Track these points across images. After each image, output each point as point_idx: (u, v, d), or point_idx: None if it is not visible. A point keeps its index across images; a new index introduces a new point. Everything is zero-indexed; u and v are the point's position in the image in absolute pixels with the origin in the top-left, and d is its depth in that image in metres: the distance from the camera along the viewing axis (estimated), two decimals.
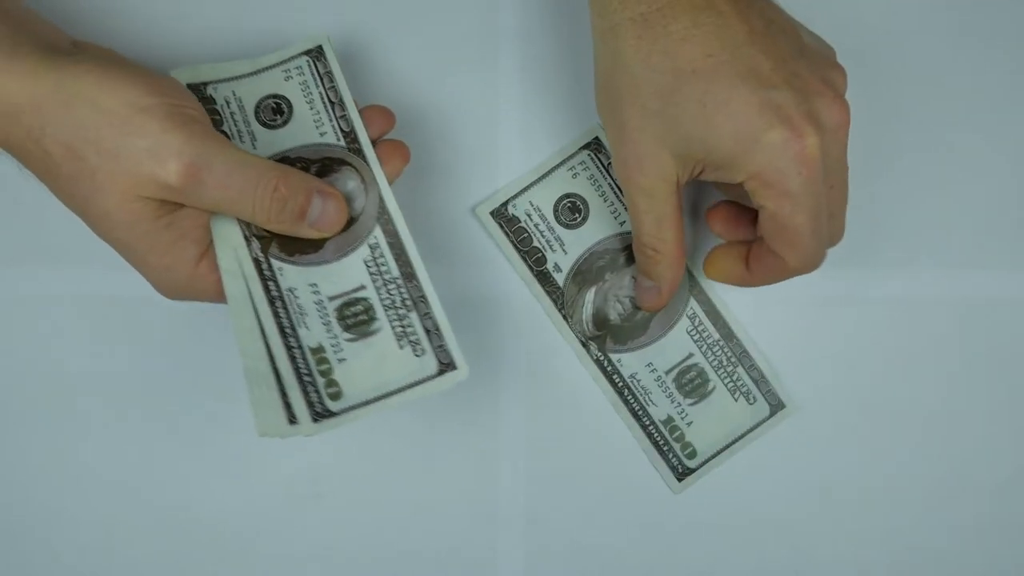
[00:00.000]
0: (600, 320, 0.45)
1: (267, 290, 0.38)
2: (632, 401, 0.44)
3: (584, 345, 0.45)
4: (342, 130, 0.41)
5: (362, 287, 0.39)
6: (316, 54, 0.42)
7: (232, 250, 0.38)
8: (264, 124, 0.41)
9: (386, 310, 0.38)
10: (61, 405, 0.45)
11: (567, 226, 0.45)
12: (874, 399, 0.46)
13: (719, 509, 0.45)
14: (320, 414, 0.36)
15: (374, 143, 0.41)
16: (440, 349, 0.38)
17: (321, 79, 0.42)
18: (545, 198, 0.45)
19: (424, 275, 0.39)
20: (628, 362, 0.45)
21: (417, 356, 0.38)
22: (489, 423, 0.45)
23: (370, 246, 0.39)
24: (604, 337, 0.45)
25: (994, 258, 0.46)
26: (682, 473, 0.44)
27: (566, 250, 0.45)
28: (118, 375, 0.45)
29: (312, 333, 0.37)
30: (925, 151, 0.47)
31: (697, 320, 0.45)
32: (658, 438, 0.44)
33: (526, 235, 0.45)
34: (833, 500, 0.45)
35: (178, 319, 0.45)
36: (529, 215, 0.45)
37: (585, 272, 0.45)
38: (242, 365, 0.36)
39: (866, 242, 0.46)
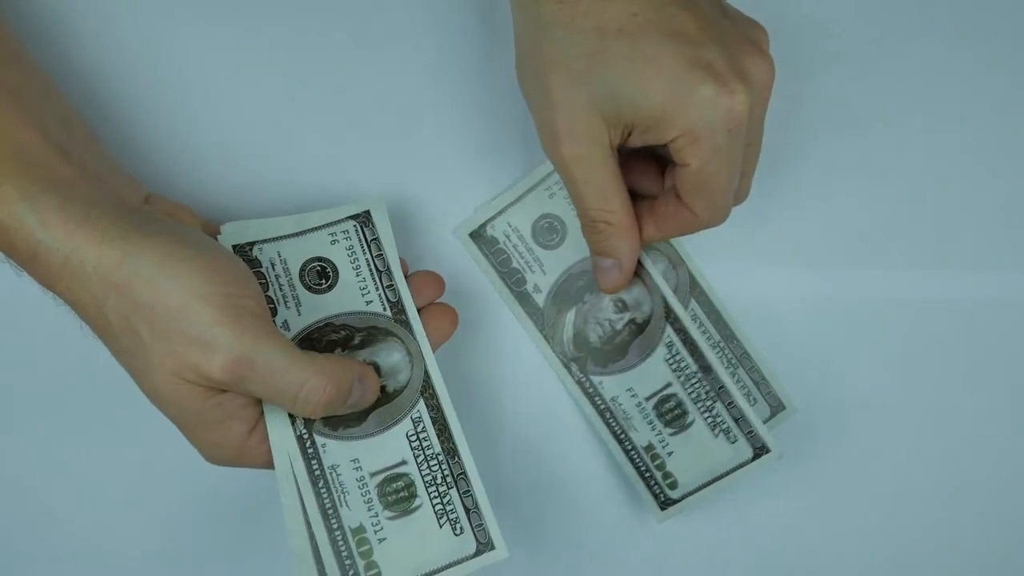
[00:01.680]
0: (580, 342, 0.44)
1: (310, 470, 0.38)
2: (614, 425, 0.44)
3: (566, 366, 0.44)
4: (389, 300, 0.40)
5: (403, 462, 0.38)
6: (364, 219, 0.42)
7: (282, 426, 0.38)
8: (309, 288, 0.41)
9: (427, 487, 0.38)
10: (53, 403, 0.44)
11: (545, 247, 0.45)
12: (874, 399, 0.45)
13: (717, 509, 0.45)
14: None
15: (420, 310, 0.41)
16: (479, 528, 0.38)
17: (368, 246, 0.41)
18: (523, 218, 0.45)
19: (466, 452, 0.38)
20: (609, 385, 0.44)
21: (456, 535, 0.38)
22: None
23: (413, 420, 0.39)
24: (585, 359, 0.44)
25: (994, 258, 0.46)
26: (665, 503, 0.43)
27: (545, 271, 0.45)
28: (111, 373, 0.43)
29: (353, 513, 0.37)
30: (925, 151, 0.47)
31: (675, 349, 0.43)
32: (640, 464, 0.43)
33: (505, 256, 0.45)
34: (833, 501, 0.45)
35: None
36: (508, 236, 0.45)
37: (565, 293, 0.44)
38: (288, 544, 0.37)
39: (867, 242, 0.46)
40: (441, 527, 0.38)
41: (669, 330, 0.44)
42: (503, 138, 0.46)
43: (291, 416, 0.38)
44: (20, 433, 0.44)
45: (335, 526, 0.37)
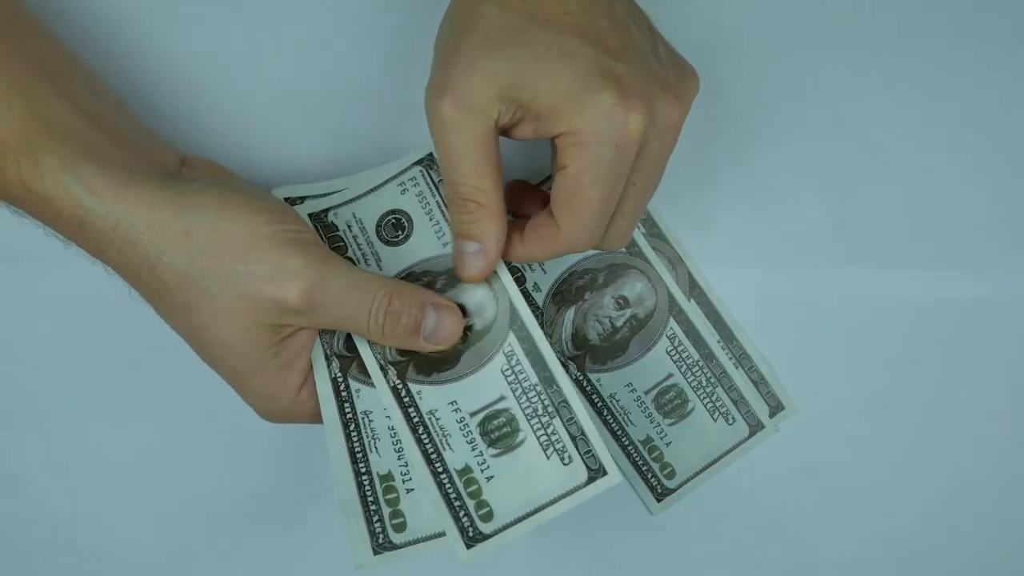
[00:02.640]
0: (579, 340, 0.45)
1: (408, 418, 0.38)
2: (611, 421, 0.44)
3: (563, 365, 0.45)
4: None
5: (502, 398, 0.38)
6: (428, 162, 0.42)
7: (329, 377, 0.38)
8: (386, 242, 0.41)
9: (529, 419, 0.37)
10: (60, 403, 0.45)
11: None
12: (874, 399, 0.46)
13: (718, 509, 0.45)
14: (473, 539, 0.36)
15: None
16: (588, 455, 0.37)
17: (436, 188, 0.41)
18: None
19: (564, 379, 0.38)
20: (607, 382, 0.44)
21: (565, 464, 0.37)
22: None
23: (505, 354, 0.38)
24: (583, 357, 0.45)
25: (994, 258, 0.47)
26: (661, 494, 0.44)
27: (545, 269, 0.45)
28: (115, 372, 0.45)
29: (457, 454, 0.37)
30: (925, 151, 0.47)
31: (677, 340, 0.44)
32: (637, 458, 0.44)
33: None
34: (833, 500, 0.45)
35: None
36: None
37: (564, 292, 0.45)
38: (336, 494, 0.37)
39: (866, 242, 0.46)
40: (548, 458, 0.37)
41: (672, 323, 0.44)
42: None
43: (382, 368, 0.38)
44: (23, 429, 0.45)
45: (440, 470, 0.37)
